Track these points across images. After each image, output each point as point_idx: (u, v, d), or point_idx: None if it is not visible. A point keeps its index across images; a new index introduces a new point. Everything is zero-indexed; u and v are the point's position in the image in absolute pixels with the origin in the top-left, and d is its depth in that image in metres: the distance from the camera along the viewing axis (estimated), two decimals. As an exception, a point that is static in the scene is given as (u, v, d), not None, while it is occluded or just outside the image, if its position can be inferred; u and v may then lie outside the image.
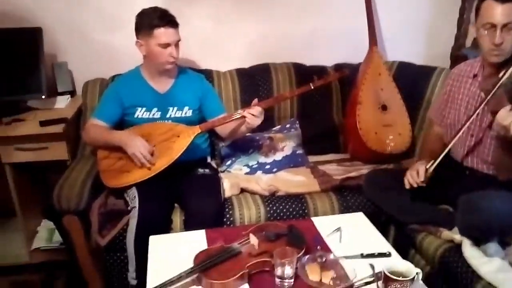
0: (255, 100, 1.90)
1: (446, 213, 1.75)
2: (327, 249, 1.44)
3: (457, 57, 2.62)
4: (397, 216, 1.82)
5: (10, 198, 2.18)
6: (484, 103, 1.59)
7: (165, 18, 1.87)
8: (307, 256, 1.35)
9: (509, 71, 1.53)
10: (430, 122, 2.11)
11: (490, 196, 1.49)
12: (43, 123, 2.07)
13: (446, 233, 1.64)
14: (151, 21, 1.86)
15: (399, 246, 1.56)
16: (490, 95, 1.55)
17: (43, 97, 2.24)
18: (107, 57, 2.40)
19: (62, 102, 2.32)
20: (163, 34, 1.85)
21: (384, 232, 1.65)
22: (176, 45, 1.91)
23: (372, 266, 1.35)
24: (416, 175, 1.73)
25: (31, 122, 2.12)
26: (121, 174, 1.87)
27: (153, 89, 2.01)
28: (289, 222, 1.58)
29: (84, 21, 2.36)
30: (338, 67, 2.48)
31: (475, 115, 1.65)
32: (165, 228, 1.79)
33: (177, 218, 1.84)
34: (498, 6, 1.55)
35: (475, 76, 1.76)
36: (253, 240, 1.41)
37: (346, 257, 1.39)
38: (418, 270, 1.21)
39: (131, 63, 2.10)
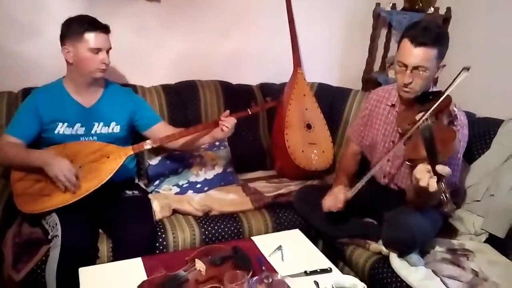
0: (227, 112, 1.88)
1: (372, 226, 1.88)
2: (272, 269, 1.45)
3: (368, 79, 2.87)
4: (327, 231, 1.90)
5: None
6: (400, 141, 1.68)
7: (97, 23, 1.77)
8: (254, 278, 1.33)
9: (425, 116, 1.55)
10: (348, 140, 2.21)
11: (412, 212, 1.61)
12: None
13: (374, 246, 1.76)
14: (81, 25, 1.75)
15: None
16: (406, 136, 1.62)
17: None
18: (16, 68, 2.15)
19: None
20: (94, 38, 1.75)
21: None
22: (107, 52, 1.81)
23: (316, 283, 1.40)
24: (335, 200, 1.76)
25: None
26: (39, 198, 1.68)
27: (77, 102, 1.86)
28: (231, 244, 1.56)
29: (-11, 29, 2.10)
30: (263, 86, 2.55)
31: (391, 152, 1.75)
32: (92, 257, 1.66)
33: (104, 245, 1.71)
34: (412, 48, 1.59)
35: (393, 105, 1.85)
36: (200, 265, 1.36)
37: (291, 276, 1.42)
38: (363, 285, 1.28)
39: (44, 75, 1.93)
